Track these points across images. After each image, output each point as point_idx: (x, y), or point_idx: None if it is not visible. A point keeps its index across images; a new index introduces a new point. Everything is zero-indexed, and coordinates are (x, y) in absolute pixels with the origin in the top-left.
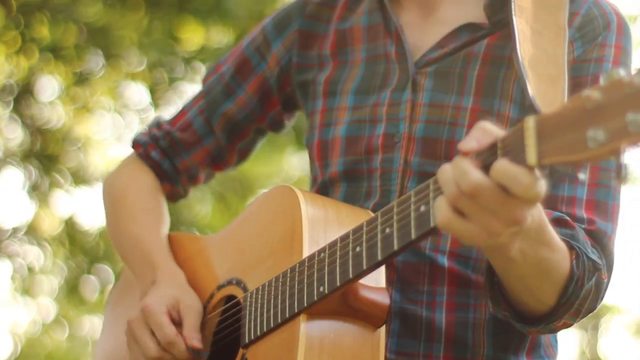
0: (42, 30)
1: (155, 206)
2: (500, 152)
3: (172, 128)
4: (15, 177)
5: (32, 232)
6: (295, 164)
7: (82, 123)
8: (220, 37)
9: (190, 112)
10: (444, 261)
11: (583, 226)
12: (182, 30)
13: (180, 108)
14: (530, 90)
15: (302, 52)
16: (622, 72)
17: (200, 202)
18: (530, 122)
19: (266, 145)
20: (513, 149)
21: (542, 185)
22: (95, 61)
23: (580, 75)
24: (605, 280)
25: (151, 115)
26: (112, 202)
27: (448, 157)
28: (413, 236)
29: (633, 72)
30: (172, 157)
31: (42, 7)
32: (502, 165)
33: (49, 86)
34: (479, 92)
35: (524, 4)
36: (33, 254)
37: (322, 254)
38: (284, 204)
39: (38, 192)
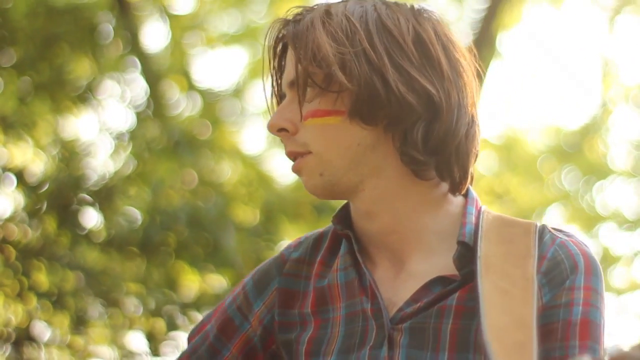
0: (40, 277)
1: None
2: None
3: None
4: None
5: None
6: None
7: None
8: (217, 284)
9: None
10: None
11: None
12: (178, 277)
13: None
14: None
15: (283, 310)
16: None
17: None
18: None
19: None
20: None
21: None
22: (93, 308)
23: (551, 321)
24: None
25: None
26: None
27: None
28: None
29: None
30: None
31: (40, 254)
32: None
33: (47, 332)
34: (453, 347)
35: (491, 259)
36: None
37: None
38: None
39: None
